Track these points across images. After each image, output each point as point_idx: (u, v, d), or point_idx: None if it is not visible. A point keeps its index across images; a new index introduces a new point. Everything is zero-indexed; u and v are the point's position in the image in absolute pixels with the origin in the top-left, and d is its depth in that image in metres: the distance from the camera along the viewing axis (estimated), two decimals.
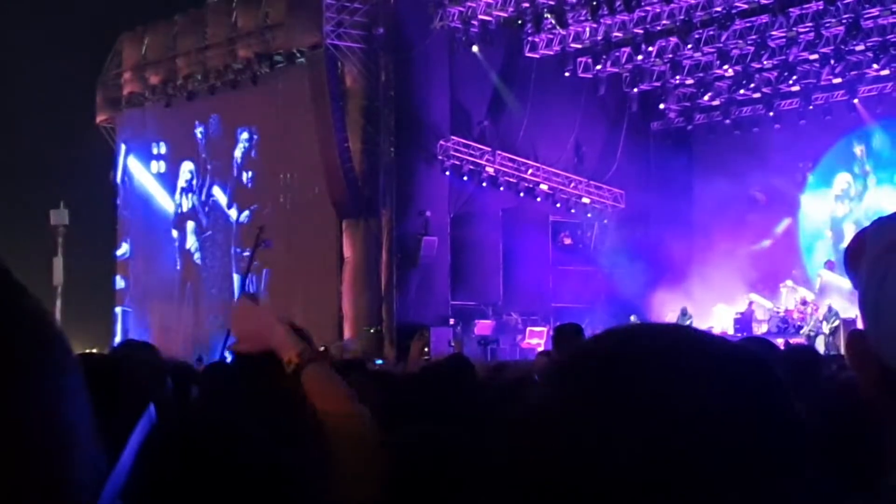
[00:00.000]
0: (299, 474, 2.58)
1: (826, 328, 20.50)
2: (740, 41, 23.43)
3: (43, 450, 0.71)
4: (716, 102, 26.21)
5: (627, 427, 0.92)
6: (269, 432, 2.72)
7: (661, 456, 0.89)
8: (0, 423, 0.69)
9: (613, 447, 0.91)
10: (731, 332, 21.96)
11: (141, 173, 32.76)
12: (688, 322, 22.44)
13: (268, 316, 2.93)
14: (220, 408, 3.12)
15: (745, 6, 22.46)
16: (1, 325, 0.72)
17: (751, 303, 23.27)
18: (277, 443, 2.68)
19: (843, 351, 18.89)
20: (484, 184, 24.73)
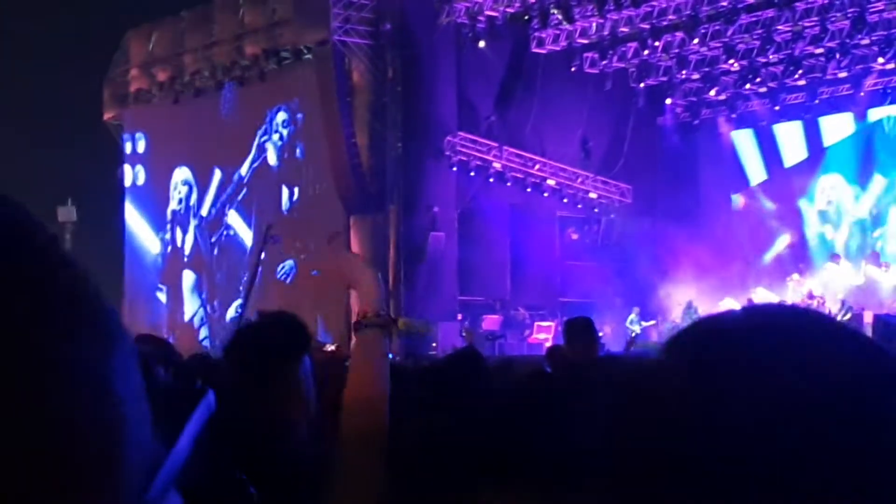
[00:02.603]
0: (308, 468, 2.62)
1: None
2: (746, 36, 23.43)
3: (92, 423, 0.67)
4: (722, 97, 26.21)
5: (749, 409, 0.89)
6: (274, 426, 2.75)
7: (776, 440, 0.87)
8: (42, 390, 0.66)
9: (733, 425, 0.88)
10: None
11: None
12: (692, 317, 22.46)
13: (359, 262, 2.95)
14: (234, 402, 3.16)
15: (751, 0, 22.46)
16: (46, 292, 0.69)
17: (749, 298, 23.26)
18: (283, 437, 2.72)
19: None
20: (491, 179, 24.75)
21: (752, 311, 0.99)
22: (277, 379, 3.16)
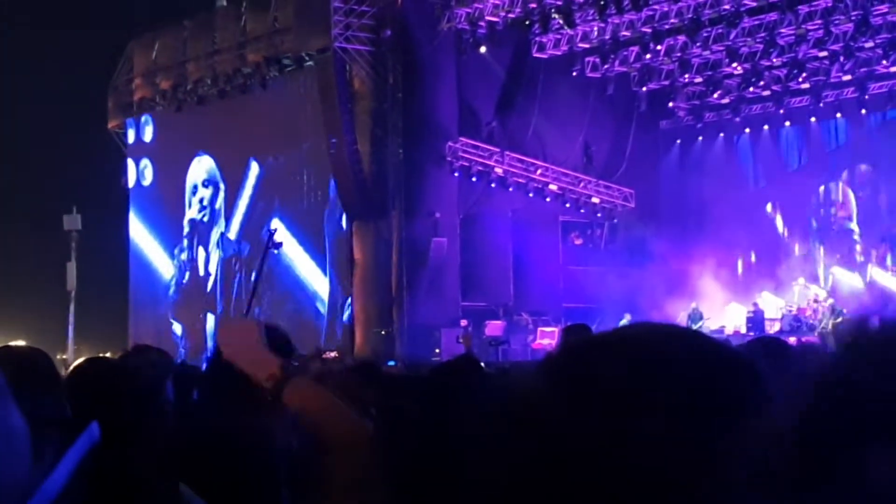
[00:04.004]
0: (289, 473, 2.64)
1: (830, 326, 20.45)
2: (749, 39, 23.38)
3: None
4: (725, 101, 26.17)
5: (593, 415, 0.95)
6: (261, 434, 2.76)
7: (621, 439, 0.93)
8: None
9: (580, 434, 0.95)
10: (743, 330, 21.95)
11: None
12: (700, 322, 22.42)
13: (250, 335, 2.85)
14: (216, 413, 3.17)
15: (754, 4, 22.43)
16: None
17: (755, 303, 23.22)
18: (269, 444, 2.73)
19: None
20: (493, 184, 24.75)
21: (618, 333, 1.06)
22: (257, 390, 3.18)
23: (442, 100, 23.65)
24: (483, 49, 23.99)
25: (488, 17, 23.66)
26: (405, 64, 23.43)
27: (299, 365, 2.89)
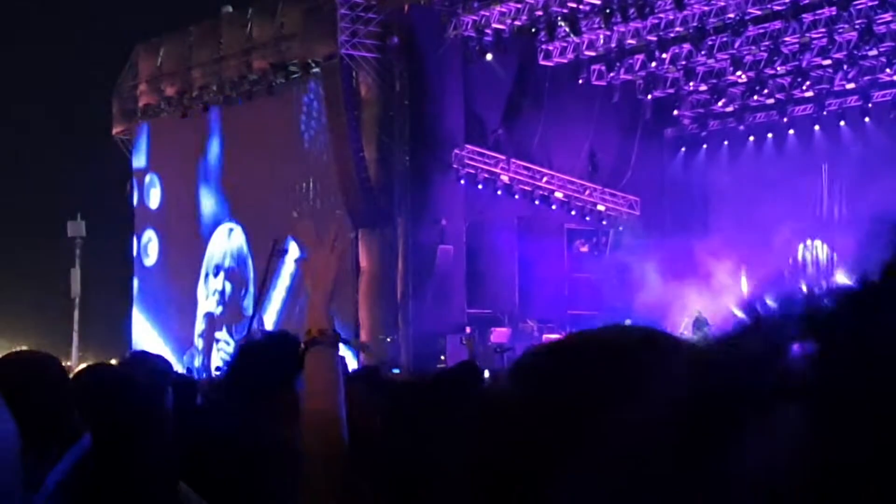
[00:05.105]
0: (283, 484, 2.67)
1: None
2: (753, 47, 23.45)
3: None
4: (730, 109, 26.24)
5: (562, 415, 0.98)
6: (262, 441, 2.80)
7: (584, 441, 0.95)
8: None
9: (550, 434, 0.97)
10: None
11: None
12: (705, 328, 22.42)
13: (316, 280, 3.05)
14: (219, 419, 3.20)
15: (759, 12, 22.49)
16: None
17: None
18: (268, 451, 2.76)
19: None
20: (499, 192, 24.80)
21: (581, 336, 1.09)
22: (276, 396, 3.24)
23: (448, 107, 23.70)
24: (489, 56, 24.04)
25: (495, 25, 23.74)
26: (412, 71, 23.49)
27: (343, 339, 3.06)
